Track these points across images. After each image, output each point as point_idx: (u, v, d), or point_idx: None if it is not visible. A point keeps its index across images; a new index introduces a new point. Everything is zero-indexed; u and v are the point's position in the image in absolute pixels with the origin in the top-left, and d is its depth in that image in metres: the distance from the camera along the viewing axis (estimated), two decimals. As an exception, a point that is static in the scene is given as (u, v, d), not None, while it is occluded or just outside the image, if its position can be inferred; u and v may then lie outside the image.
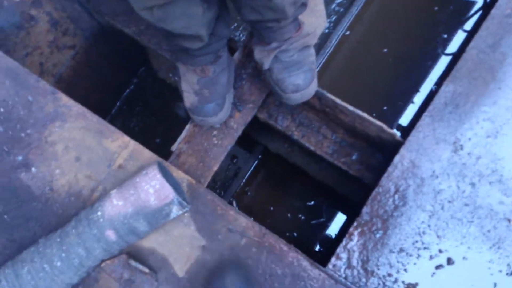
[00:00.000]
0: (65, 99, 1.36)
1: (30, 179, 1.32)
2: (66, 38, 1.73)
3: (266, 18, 1.15)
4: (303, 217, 2.05)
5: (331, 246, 2.04)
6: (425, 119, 1.29)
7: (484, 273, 1.20)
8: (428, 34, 2.06)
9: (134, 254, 1.26)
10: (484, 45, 1.32)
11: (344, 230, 2.06)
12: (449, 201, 1.25)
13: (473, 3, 2.11)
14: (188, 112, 1.37)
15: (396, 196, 1.26)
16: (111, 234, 1.19)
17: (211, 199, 1.28)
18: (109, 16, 1.67)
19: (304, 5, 1.18)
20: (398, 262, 1.23)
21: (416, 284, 1.21)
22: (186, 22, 1.10)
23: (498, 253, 1.20)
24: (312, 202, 2.05)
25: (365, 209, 1.26)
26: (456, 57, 2.00)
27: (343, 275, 1.23)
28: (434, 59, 2.05)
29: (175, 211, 1.21)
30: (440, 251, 1.23)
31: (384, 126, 1.34)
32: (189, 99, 1.34)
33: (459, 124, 1.29)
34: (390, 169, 1.27)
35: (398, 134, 1.35)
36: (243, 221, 1.26)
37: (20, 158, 1.34)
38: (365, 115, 1.35)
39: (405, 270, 1.22)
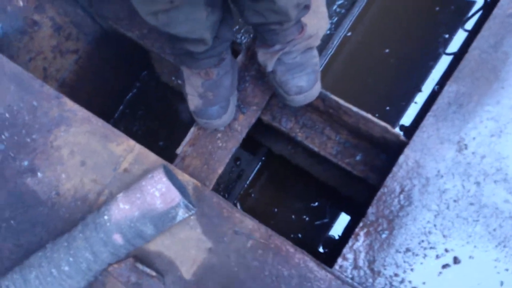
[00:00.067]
0: (69, 103, 1.36)
1: (36, 184, 1.33)
2: (69, 42, 1.74)
3: (269, 21, 1.16)
4: (307, 219, 2.05)
5: (334, 247, 2.05)
6: (429, 119, 1.30)
7: (491, 271, 1.21)
8: (430, 34, 2.07)
9: (141, 257, 1.26)
10: (487, 45, 1.33)
11: (347, 231, 2.07)
12: (455, 201, 1.25)
13: (474, 3, 2.11)
14: (192, 115, 1.38)
15: (402, 196, 1.27)
16: (118, 238, 1.20)
17: (216, 201, 1.28)
18: (112, 20, 1.68)
19: (307, 8, 1.18)
20: (404, 262, 1.23)
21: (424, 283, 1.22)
22: (190, 26, 1.11)
23: (504, 251, 1.21)
24: (316, 203, 2.06)
25: (371, 210, 1.27)
26: (458, 57, 2.01)
27: (350, 276, 1.23)
28: (436, 59, 2.05)
29: (181, 214, 1.21)
30: (446, 250, 1.23)
31: (389, 127, 1.34)
32: (193, 102, 1.35)
33: (463, 124, 1.29)
34: (395, 169, 1.28)
35: (402, 134, 1.35)
36: (249, 223, 1.26)
37: (26, 163, 1.34)
38: (369, 116, 1.36)
39: (411, 269, 1.23)
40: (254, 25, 1.23)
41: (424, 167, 1.28)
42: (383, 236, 1.25)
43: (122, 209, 1.20)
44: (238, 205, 2.08)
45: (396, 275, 1.23)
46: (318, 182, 1.88)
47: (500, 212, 1.23)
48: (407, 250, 1.24)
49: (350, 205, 2.06)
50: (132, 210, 1.19)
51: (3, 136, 1.35)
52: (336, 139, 1.51)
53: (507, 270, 1.20)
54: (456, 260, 1.22)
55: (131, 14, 1.67)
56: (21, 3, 1.56)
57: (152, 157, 1.32)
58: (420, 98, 2.04)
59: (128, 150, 1.33)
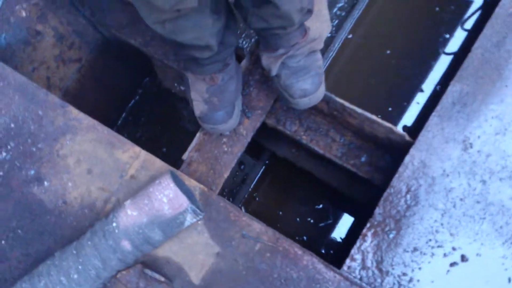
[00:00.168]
0: (75, 112, 1.37)
1: (43, 193, 1.33)
2: (72, 51, 1.75)
3: (273, 26, 1.17)
4: (312, 221, 2.05)
5: (339, 248, 2.05)
6: (433, 119, 1.31)
7: (498, 268, 1.21)
8: (430, 34, 2.08)
9: (149, 263, 1.27)
10: (489, 44, 1.34)
11: (351, 232, 2.07)
12: (461, 199, 1.26)
13: (473, 3, 2.13)
14: (198, 121, 1.38)
15: (408, 196, 1.27)
16: (126, 245, 1.20)
17: (223, 205, 1.29)
18: (115, 29, 1.69)
19: (310, 12, 1.19)
20: (412, 261, 1.24)
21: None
22: (197, 33, 1.12)
23: (511, 248, 1.21)
24: (321, 206, 2.06)
25: (378, 210, 1.27)
26: (459, 56, 2.03)
27: (358, 276, 1.24)
28: (437, 59, 2.06)
29: (189, 219, 1.21)
30: (453, 248, 1.23)
31: (393, 127, 1.35)
32: (198, 107, 1.35)
33: (468, 123, 1.30)
34: (401, 169, 1.28)
35: (407, 134, 1.36)
36: (257, 227, 1.27)
37: (32, 172, 1.34)
38: (374, 117, 1.37)
39: (419, 268, 1.23)
40: (257, 30, 1.24)
41: (430, 167, 1.28)
42: (391, 236, 1.26)
43: (130, 215, 1.20)
44: (242, 209, 2.08)
45: (404, 274, 1.23)
46: (322, 184, 1.89)
47: (506, 210, 1.24)
48: (415, 249, 1.24)
49: (354, 207, 2.06)
50: (140, 216, 1.20)
51: (9, 146, 1.36)
52: (341, 141, 1.52)
53: (515, 267, 1.20)
54: (463, 258, 1.23)
55: (133, 22, 1.67)
56: (24, 14, 1.57)
57: (158, 163, 1.32)
58: (422, 99, 2.05)
59: (134, 156, 1.33)
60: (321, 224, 2.07)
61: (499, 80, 1.31)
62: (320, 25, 1.30)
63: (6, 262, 1.30)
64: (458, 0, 2.10)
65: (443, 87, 1.98)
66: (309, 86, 1.28)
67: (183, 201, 1.19)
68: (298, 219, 2.07)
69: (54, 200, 1.32)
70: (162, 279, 1.25)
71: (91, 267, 1.20)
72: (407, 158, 1.29)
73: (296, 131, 1.53)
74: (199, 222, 1.28)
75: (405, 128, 2.01)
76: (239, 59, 1.47)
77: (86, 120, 1.36)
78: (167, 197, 1.19)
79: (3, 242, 1.32)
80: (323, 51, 1.87)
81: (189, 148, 1.43)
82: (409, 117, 2.05)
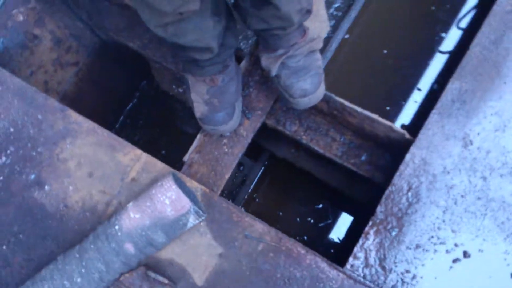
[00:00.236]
0: (74, 115, 1.36)
1: (44, 197, 1.33)
2: (69, 55, 1.74)
3: (272, 26, 1.17)
4: (312, 221, 2.06)
5: (338, 247, 2.06)
6: (433, 116, 1.31)
7: (501, 264, 1.22)
8: (427, 33, 2.09)
9: (152, 266, 1.26)
10: (487, 41, 1.35)
11: (351, 231, 2.08)
12: (462, 196, 1.26)
13: (468, 1, 2.14)
14: (198, 122, 1.38)
15: (410, 194, 1.28)
16: (129, 247, 1.20)
17: (226, 206, 1.29)
18: (113, 32, 1.68)
19: (308, 12, 1.20)
20: (415, 258, 1.24)
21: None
22: (198, 35, 1.13)
23: (513, 244, 1.22)
24: (320, 205, 2.06)
25: (380, 208, 1.28)
26: (455, 54, 2.04)
27: (362, 274, 1.24)
28: (434, 58, 2.08)
29: (192, 220, 1.21)
30: (456, 245, 1.24)
31: (394, 126, 1.36)
32: (199, 109, 1.36)
33: (467, 120, 1.31)
34: (401, 167, 1.29)
35: (407, 132, 1.36)
36: (259, 227, 1.27)
37: (32, 176, 1.34)
38: (374, 115, 1.37)
39: (422, 265, 1.24)
40: (257, 31, 1.24)
41: (431, 164, 1.29)
42: (393, 233, 1.26)
43: (133, 218, 1.20)
44: (242, 210, 2.08)
45: (407, 271, 1.24)
46: (322, 184, 1.89)
47: (507, 205, 1.25)
48: (417, 246, 1.25)
49: (353, 206, 2.07)
50: (143, 218, 1.19)
51: (8, 151, 1.35)
52: (341, 140, 1.53)
53: (517, 262, 1.21)
54: (466, 254, 1.24)
55: (131, 25, 1.67)
56: (21, 18, 1.57)
57: (159, 165, 1.32)
58: (420, 97, 2.06)
59: (135, 159, 1.33)
60: (321, 224, 2.07)
61: (497, 77, 1.32)
62: (318, 25, 1.31)
63: (8, 267, 1.30)
64: (453, -1, 2.12)
65: (440, 85, 2.00)
66: (309, 86, 1.29)
67: (186, 203, 1.19)
68: (298, 219, 2.07)
69: (55, 204, 1.32)
70: (166, 281, 1.24)
71: (94, 270, 1.20)
72: (407, 156, 1.30)
73: (296, 131, 1.53)
74: (202, 223, 1.28)
75: (403, 127, 2.02)
76: (238, 60, 1.47)
77: (86, 124, 1.36)
78: (169, 199, 1.19)
79: (4, 247, 1.31)
80: (321, 52, 1.88)
81: (190, 150, 1.43)
82: (407, 116, 2.06)
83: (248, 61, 1.48)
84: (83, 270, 1.20)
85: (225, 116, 1.33)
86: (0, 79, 1.40)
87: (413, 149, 1.30)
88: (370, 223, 1.27)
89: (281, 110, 1.54)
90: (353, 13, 1.92)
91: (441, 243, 1.25)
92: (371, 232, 1.27)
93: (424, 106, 2.04)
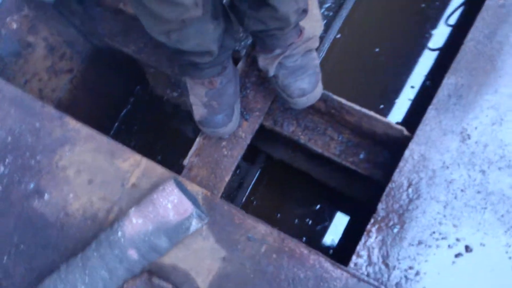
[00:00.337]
0: (72, 122, 1.36)
1: (44, 206, 1.32)
2: (63, 62, 1.73)
3: (270, 27, 1.18)
4: (310, 222, 2.06)
5: (338, 247, 2.06)
6: (430, 112, 1.32)
7: (502, 257, 1.23)
8: (417, 30, 2.11)
9: (155, 271, 1.26)
10: (481, 36, 1.36)
11: (350, 231, 2.08)
12: (462, 190, 1.27)
13: (455, -2, 2.17)
14: (198, 125, 1.38)
15: (410, 190, 1.29)
16: (133, 253, 1.19)
17: (227, 209, 1.28)
18: (107, 37, 1.68)
19: (305, 12, 1.20)
20: (418, 254, 1.25)
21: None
22: (200, 40, 1.13)
23: (514, 236, 1.23)
24: (318, 206, 2.07)
25: (381, 206, 1.28)
26: (446, 50, 2.06)
27: (365, 273, 1.24)
28: (425, 55, 2.10)
29: (195, 224, 1.21)
30: (457, 239, 1.25)
31: (392, 123, 1.36)
32: (198, 111, 1.35)
33: (464, 114, 1.32)
34: (401, 164, 1.30)
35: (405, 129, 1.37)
36: (262, 228, 1.27)
37: (31, 186, 1.33)
38: (372, 113, 1.38)
39: (425, 261, 1.24)
40: (254, 32, 1.25)
41: (430, 160, 1.30)
42: (395, 230, 1.27)
43: (135, 224, 1.19)
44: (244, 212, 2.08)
45: (410, 268, 1.24)
46: (319, 184, 1.89)
47: (506, 198, 1.26)
48: (420, 242, 1.25)
49: (351, 205, 2.08)
50: (146, 224, 1.19)
51: (6, 160, 1.34)
52: (339, 139, 1.53)
53: (518, 254, 1.22)
54: (468, 249, 1.24)
55: (125, 30, 1.67)
56: (14, 26, 1.56)
57: (159, 170, 1.32)
58: (412, 94, 2.08)
59: (135, 164, 1.32)
60: (318, 227, 2.08)
61: (492, 71, 1.34)
62: (313, 24, 1.31)
63: (9, 278, 1.28)
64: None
65: (433, 82, 2.01)
66: (306, 85, 1.29)
67: (188, 206, 1.19)
68: (296, 220, 2.07)
69: (55, 212, 1.31)
70: (170, 286, 1.24)
71: (98, 278, 1.19)
72: (406, 152, 1.31)
73: (294, 131, 1.54)
74: (204, 227, 1.27)
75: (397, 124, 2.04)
76: (234, 62, 1.47)
77: (85, 130, 1.35)
78: (171, 203, 1.19)
79: (5, 257, 1.30)
80: (314, 52, 1.88)
81: (190, 153, 1.43)
82: (400, 113, 2.07)
83: (245, 62, 1.48)
84: (86, 279, 1.19)
85: (224, 118, 1.33)
86: (-5, 88, 1.39)
87: (411, 145, 1.31)
88: (372, 220, 1.28)
89: (279, 110, 1.55)
90: (344, 13, 1.94)
91: (443, 238, 1.25)
92: (373, 229, 1.27)
93: (417, 103, 2.05)
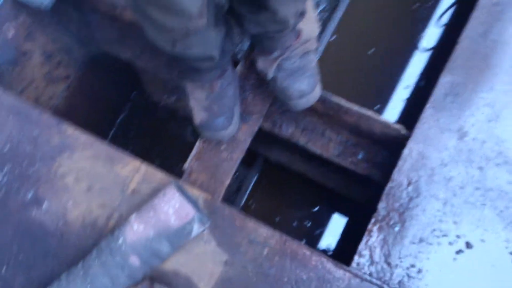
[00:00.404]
0: (70, 129, 1.35)
1: (43, 215, 1.31)
2: (60, 69, 1.73)
3: (269, 30, 1.18)
4: (309, 224, 2.06)
5: (336, 248, 2.07)
6: (427, 110, 1.34)
7: (503, 252, 1.24)
8: (411, 31, 2.13)
9: (157, 278, 1.25)
10: (476, 34, 1.38)
11: (348, 232, 2.09)
12: (461, 187, 1.28)
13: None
14: (198, 129, 1.38)
15: (410, 188, 1.29)
16: (135, 260, 1.18)
17: (228, 212, 1.28)
18: (104, 43, 1.68)
19: (302, 14, 1.21)
20: (419, 252, 1.25)
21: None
22: (203, 47, 1.14)
23: (513, 231, 1.24)
24: (317, 208, 2.07)
25: (381, 205, 1.29)
26: (440, 50, 2.08)
27: (368, 272, 1.25)
28: (419, 55, 2.12)
29: (196, 228, 1.21)
30: (458, 236, 1.26)
31: (390, 122, 1.37)
32: (199, 115, 1.36)
33: (461, 112, 1.33)
34: (400, 163, 1.31)
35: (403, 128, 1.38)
36: (263, 231, 1.27)
37: (30, 194, 1.32)
38: (370, 113, 1.39)
39: (427, 259, 1.25)
40: (253, 35, 1.25)
41: (428, 158, 1.31)
42: (396, 229, 1.27)
43: (137, 230, 1.19)
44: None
45: (412, 266, 1.25)
46: (318, 186, 1.90)
47: (505, 194, 1.27)
48: (421, 240, 1.26)
49: (350, 206, 2.08)
50: (147, 230, 1.18)
51: (5, 169, 1.33)
52: (338, 140, 1.54)
53: (519, 249, 1.23)
54: (468, 245, 1.25)
55: (123, 36, 1.67)
56: (11, 33, 1.55)
57: (159, 175, 1.32)
58: (407, 94, 2.10)
59: (134, 170, 1.32)
60: (316, 232, 2.08)
61: (487, 69, 1.35)
62: (310, 26, 1.32)
63: (9, 289, 1.27)
64: (434, -4, 2.16)
65: (427, 81, 2.03)
66: (306, 87, 1.30)
67: (189, 211, 1.19)
68: (295, 223, 2.07)
69: (55, 221, 1.30)
70: (172, 292, 1.23)
71: (100, 286, 1.18)
72: (405, 151, 1.31)
73: (293, 133, 1.54)
74: (205, 231, 1.27)
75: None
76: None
77: (83, 137, 1.34)
78: (173, 207, 1.18)
79: (4, 268, 1.29)
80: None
81: (190, 158, 1.43)
82: (396, 113, 2.09)
83: (243, 65, 1.48)
84: (88, 287, 1.18)
85: (224, 121, 1.34)
86: (-7, 96, 1.38)
87: (410, 144, 1.32)
88: (373, 220, 1.28)
89: (277, 112, 1.55)
90: (338, 15, 1.95)
91: (443, 235, 1.26)
92: (374, 229, 1.28)
93: (412, 103, 2.07)
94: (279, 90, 1.32)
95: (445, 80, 1.35)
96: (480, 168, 1.29)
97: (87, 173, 1.32)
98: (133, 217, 1.21)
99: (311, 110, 1.47)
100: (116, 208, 1.30)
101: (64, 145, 1.34)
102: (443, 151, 1.31)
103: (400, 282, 1.23)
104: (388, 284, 1.22)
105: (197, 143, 1.44)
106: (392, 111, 2.09)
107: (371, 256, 1.26)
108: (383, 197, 1.29)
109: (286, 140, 1.56)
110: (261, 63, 1.32)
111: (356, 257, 1.26)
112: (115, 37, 1.67)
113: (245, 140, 1.43)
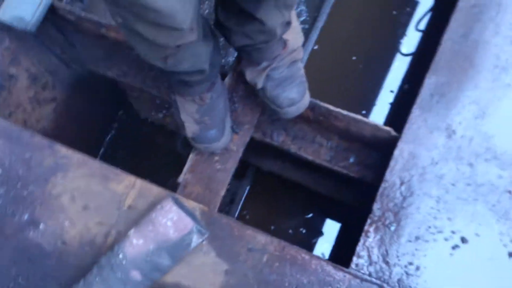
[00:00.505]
0: (63, 150, 1.35)
1: (40, 237, 1.30)
2: (46, 92, 1.73)
3: (256, 41, 1.20)
4: (304, 231, 2.08)
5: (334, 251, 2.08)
6: (415, 111, 1.37)
7: (497, 245, 1.26)
8: (391, 36, 2.18)
9: (159, 292, 1.25)
10: (457, 36, 1.42)
11: (343, 236, 2.10)
12: (452, 184, 1.31)
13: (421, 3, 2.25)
14: (191, 142, 1.39)
15: (403, 188, 1.32)
16: (136, 275, 1.18)
17: (226, 222, 1.29)
18: (90, 63, 1.68)
19: (288, 24, 1.24)
20: (416, 249, 1.27)
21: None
22: (193, 61, 1.15)
23: (506, 224, 1.27)
24: (311, 215, 2.09)
25: (376, 205, 1.31)
26: (421, 54, 2.13)
27: (367, 273, 1.26)
28: (400, 60, 2.16)
29: (196, 239, 1.21)
30: (453, 232, 1.28)
31: (379, 125, 1.40)
32: (190, 129, 1.36)
33: (448, 111, 1.37)
34: (392, 163, 1.33)
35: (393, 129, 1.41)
36: (262, 238, 1.28)
37: (26, 216, 1.31)
38: (359, 117, 1.42)
39: (424, 256, 1.27)
40: (240, 47, 1.27)
41: (419, 157, 1.34)
42: (392, 228, 1.29)
43: (136, 244, 1.19)
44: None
45: (410, 263, 1.27)
46: (310, 193, 1.92)
47: (496, 188, 1.30)
48: (417, 238, 1.28)
49: (343, 211, 2.10)
50: (147, 244, 1.18)
51: (-2, 193, 1.32)
52: (328, 145, 1.56)
53: (512, 241, 1.26)
54: (463, 240, 1.28)
55: (108, 54, 1.67)
56: (-3, 59, 1.55)
57: (154, 190, 1.32)
58: (392, 98, 2.14)
59: (129, 186, 1.32)
60: (314, 240, 2.09)
61: (470, 68, 1.39)
62: (295, 36, 1.35)
63: (10, 315, 1.26)
64: (412, 2, 2.21)
65: (411, 85, 2.08)
66: (295, 95, 1.32)
67: (188, 222, 1.19)
68: (290, 231, 2.08)
69: (52, 242, 1.29)
70: (174, 305, 1.23)
71: (102, 303, 1.17)
72: (396, 152, 1.34)
73: (284, 141, 1.56)
74: (204, 242, 1.27)
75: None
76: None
77: (76, 156, 1.34)
78: (171, 220, 1.19)
79: (4, 292, 1.27)
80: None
81: (184, 171, 1.43)
82: (382, 117, 2.13)
83: (232, 77, 1.50)
84: (90, 305, 1.17)
85: (217, 133, 1.35)
86: (-18, 121, 1.37)
87: (400, 145, 1.34)
88: (369, 221, 1.30)
89: (267, 122, 1.57)
90: (319, 24, 1.99)
91: (439, 232, 1.28)
92: (371, 229, 1.30)
93: (397, 106, 2.11)
94: (269, 100, 1.34)
95: (430, 81, 1.39)
96: (470, 165, 1.33)
97: (82, 192, 1.32)
98: (132, 232, 1.21)
99: (301, 118, 1.50)
100: (113, 225, 1.30)
101: (58, 165, 1.34)
102: (433, 150, 1.34)
103: (399, 280, 1.25)
104: (387, 283, 1.24)
105: (191, 156, 1.45)
106: (378, 116, 2.13)
107: (369, 257, 1.28)
108: (378, 198, 1.31)
109: (278, 148, 1.58)
110: (249, 74, 1.34)
111: (354, 258, 1.28)
112: (100, 56, 1.67)
113: (237, 150, 1.44)
